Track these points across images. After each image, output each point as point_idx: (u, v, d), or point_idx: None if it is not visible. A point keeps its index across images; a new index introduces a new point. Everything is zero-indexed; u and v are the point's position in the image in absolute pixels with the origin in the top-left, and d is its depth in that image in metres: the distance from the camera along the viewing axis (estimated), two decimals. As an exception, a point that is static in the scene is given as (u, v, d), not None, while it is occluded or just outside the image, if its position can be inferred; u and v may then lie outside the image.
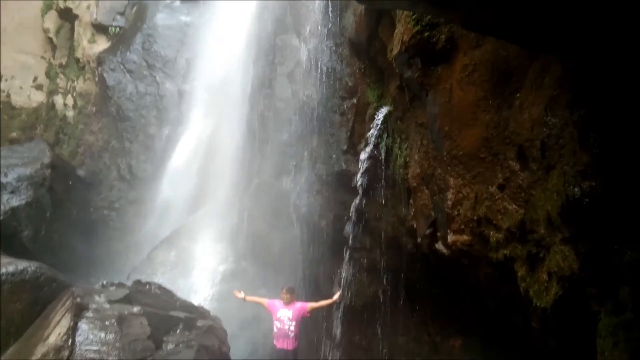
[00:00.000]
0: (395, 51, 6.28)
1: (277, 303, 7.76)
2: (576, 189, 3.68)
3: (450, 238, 5.64)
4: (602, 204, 3.58)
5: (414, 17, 5.64)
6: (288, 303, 7.69)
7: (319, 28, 9.14)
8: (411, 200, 7.17)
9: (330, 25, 8.99)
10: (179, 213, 12.54)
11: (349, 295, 9.09)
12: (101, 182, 14.70)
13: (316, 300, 8.22)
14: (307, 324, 9.30)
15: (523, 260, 4.60)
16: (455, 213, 5.50)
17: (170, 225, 12.50)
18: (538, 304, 4.36)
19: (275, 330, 7.65)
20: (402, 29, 5.92)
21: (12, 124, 16.79)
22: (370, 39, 7.91)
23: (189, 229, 12.12)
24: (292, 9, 10.63)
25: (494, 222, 4.91)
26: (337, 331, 9.23)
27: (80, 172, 14.82)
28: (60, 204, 13.39)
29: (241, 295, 7.89)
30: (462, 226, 5.41)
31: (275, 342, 7.65)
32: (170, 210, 12.67)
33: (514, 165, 4.65)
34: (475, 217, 5.19)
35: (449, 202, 5.57)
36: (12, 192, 12.63)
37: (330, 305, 8.06)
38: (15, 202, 12.50)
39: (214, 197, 12.06)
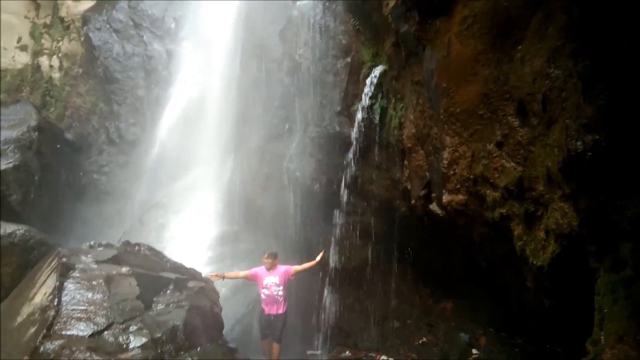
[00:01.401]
0: (392, 4, 6.02)
1: (260, 271, 7.52)
2: (578, 143, 3.53)
3: (446, 198, 5.52)
4: (605, 158, 3.44)
5: (412, -34, 5.36)
6: (271, 268, 7.48)
7: (312, -17, 8.78)
8: (405, 162, 7.03)
9: (324, -20, 8.64)
10: (170, 176, 12.32)
11: (342, 259, 9.07)
12: (90, 145, 14.37)
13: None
14: (300, 288, 9.30)
15: (520, 219, 4.50)
16: (451, 172, 5.37)
17: (161, 188, 12.31)
18: (534, 263, 4.29)
19: (263, 297, 7.47)
20: (399, -20, 5.64)
21: (-3, 86, 16.31)
22: (366, -6, 7.60)
23: (180, 193, 11.95)
24: (285, -36, 10.19)
25: (491, 180, 4.78)
26: (330, 295, 9.24)
27: (69, 136, 14.47)
28: (48, 168, 13.11)
29: (219, 275, 7.41)
30: (458, 186, 5.29)
31: (264, 307, 7.51)
32: (161, 174, 12.44)
33: (513, 121, 4.49)
34: (471, 176, 5.07)
35: (445, 162, 5.43)
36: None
37: (313, 266, 7.88)
38: (2, 165, 12.21)
39: (205, 161, 11.83)
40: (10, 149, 12.51)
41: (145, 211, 12.08)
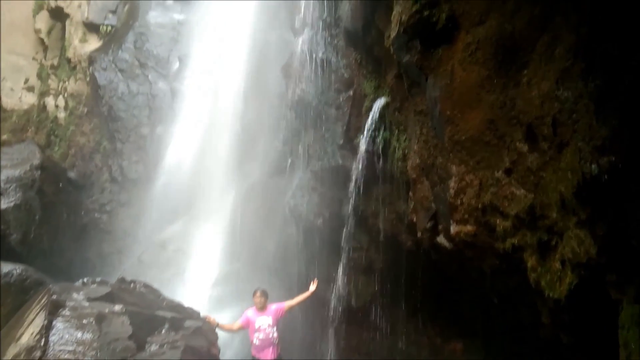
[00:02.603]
0: (393, 34, 5.97)
1: (251, 314, 7.02)
2: (593, 166, 3.35)
3: (453, 229, 5.29)
4: (622, 181, 3.25)
5: (412, -5, 5.34)
6: (262, 308, 7.01)
7: (314, 20, 8.86)
8: (410, 193, 6.84)
9: (325, 16, 8.73)
10: (172, 214, 12.15)
11: (346, 297, 8.75)
12: (92, 184, 14.31)
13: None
14: (301, 330, 8.94)
15: (533, 249, 4.26)
16: (458, 202, 5.16)
17: (162, 226, 12.12)
18: (551, 295, 4.02)
19: (257, 342, 6.91)
20: (400, 9, 5.62)
21: (3, 127, 16.44)
22: (367, 28, 7.63)
23: (181, 231, 11.75)
24: (287, 4, 10.36)
25: (501, 209, 4.57)
26: (334, 335, 8.87)
27: (71, 174, 14.43)
28: (50, 207, 13.00)
29: (213, 322, 6.99)
30: (466, 216, 5.07)
31: (257, 354, 6.90)
32: (163, 212, 12.28)
33: (521, 147, 4.33)
34: (480, 205, 4.86)
35: (452, 191, 5.23)
36: (0, 194, 12.26)
37: (308, 298, 7.49)
38: (3, 204, 12.09)
39: (207, 197, 11.69)
40: (12, 187, 12.45)
41: (146, 249, 11.85)
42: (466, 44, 4.94)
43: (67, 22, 15.16)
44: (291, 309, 7.33)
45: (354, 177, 8.06)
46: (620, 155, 3.25)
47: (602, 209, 3.41)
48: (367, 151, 7.81)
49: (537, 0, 4.10)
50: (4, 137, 16.41)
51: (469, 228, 5.08)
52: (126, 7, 14.62)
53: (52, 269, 11.06)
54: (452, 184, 5.25)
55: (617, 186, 3.29)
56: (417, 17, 5.35)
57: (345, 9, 8.11)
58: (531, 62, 4.21)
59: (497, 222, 4.65)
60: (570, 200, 3.63)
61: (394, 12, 5.92)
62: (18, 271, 9.55)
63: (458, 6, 5.01)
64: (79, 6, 14.94)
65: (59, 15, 15.44)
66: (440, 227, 5.89)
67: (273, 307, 7.14)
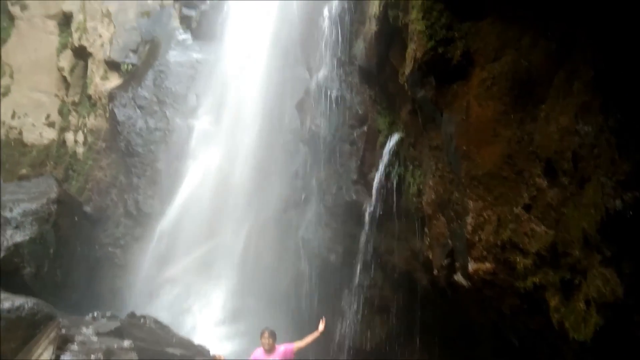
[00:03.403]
0: (408, 71, 6.01)
1: (259, 354, 6.89)
2: (617, 201, 3.25)
3: (471, 267, 5.14)
4: (648, 217, 3.14)
5: (427, 32, 5.39)
6: (270, 349, 6.86)
7: (329, 57, 8.99)
8: (426, 230, 6.71)
9: (339, 54, 8.85)
10: (185, 249, 12.13)
11: (359, 338, 8.50)
12: (108, 218, 14.41)
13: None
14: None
15: (556, 288, 4.10)
16: (476, 239, 5.04)
17: (175, 261, 12.08)
18: (575, 338, 3.83)
19: None
20: (415, 47, 5.66)
21: (23, 161, 16.80)
22: (381, 65, 7.70)
23: (193, 266, 11.68)
24: (302, 41, 10.57)
25: (521, 246, 4.44)
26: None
27: (87, 209, 14.57)
28: (65, 241, 13.05)
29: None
30: (484, 253, 4.93)
31: None
32: (176, 246, 12.27)
33: (541, 183, 4.24)
34: (498, 242, 4.73)
35: (469, 227, 5.12)
36: (17, 227, 12.32)
37: (317, 338, 7.26)
38: (19, 237, 12.15)
39: (220, 232, 11.67)
40: (28, 221, 12.54)
41: (158, 285, 11.77)
42: (481, 80, 4.93)
43: (90, 61, 15.65)
44: (300, 350, 7.12)
45: (367, 213, 7.96)
46: (645, 190, 3.15)
47: (628, 246, 3.28)
48: (381, 187, 7.74)
49: (553, 36, 4.09)
50: (23, 171, 16.74)
51: (487, 266, 4.93)
52: (147, 47, 15.08)
53: (63, 302, 11.01)
54: (469, 220, 5.14)
55: (643, 223, 3.17)
56: (432, 54, 5.38)
57: (360, 47, 8.22)
58: (548, 96, 4.17)
59: (517, 259, 4.51)
60: (593, 237, 3.50)
61: (409, 50, 5.97)
62: (29, 305, 9.48)
63: (473, 43, 5.03)
64: (102, 45, 15.45)
65: (82, 54, 15.96)
66: (457, 264, 5.73)
67: (281, 348, 6.95)
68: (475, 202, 5.04)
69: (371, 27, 7.57)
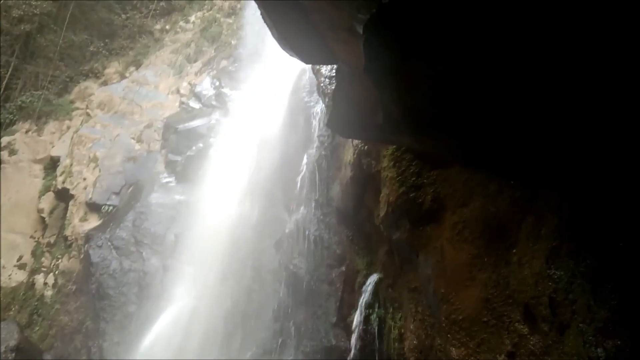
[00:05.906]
0: (382, 214, 6.18)
1: None
2: (599, 350, 3.17)
3: (460, 423, 4.75)
4: (634, 367, 3.03)
5: (398, 179, 5.66)
6: None
7: (307, 199, 9.27)
8: (411, 379, 6.32)
9: (317, 196, 9.13)
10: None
11: None
12: (68, 367, 13.31)
13: None
14: None
15: None
16: (462, 390, 4.74)
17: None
18: None
19: None
20: (388, 191, 5.91)
21: (-13, 306, 15.92)
22: (357, 207, 7.93)
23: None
24: (281, 184, 10.93)
25: (509, 398, 4.17)
26: None
27: (47, 357, 13.53)
28: (20, 390, 11.94)
29: None
30: (472, 406, 4.61)
31: None
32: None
33: (521, 328, 4.13)
34: (486, 394, 4.44)
35: (454, 377, 4.84)
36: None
37: None
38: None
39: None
40: (-17, 369, 11.55)
41: None
42: (453, 223, 5.07)
43: (71, 203, 15.75)
44: None
45: (349, 360, 7.53)
46: (626, 337, 3.08)
47: (619, 400, 3.11)
48: (361, 330, 7.44)
49: (517, 185, 4.33)
50: (-14, 315, 15.77)
51: (477, 421, 4.57)
52: (130, 189, 15.35)
53: None
54: (453, 369, 4.89)
55: (630, 373, 3.05)
56: (404, 198, 5.60)
57: (337, 190, 8.54)
58: (519, 241, 4.27)
59: (507, 414, 4.21)
60: (582, 389, 3.33)
61: (382, 194, 6.21)
62: None
63: (442, 189, 5.27)
64: (85, 187, 15.69)
65: (63, 196, 16.11)
66: (445, 419, 5.30)
67: None
68: (458, 349, 4.84)
69: (346, 172, 7.95)
